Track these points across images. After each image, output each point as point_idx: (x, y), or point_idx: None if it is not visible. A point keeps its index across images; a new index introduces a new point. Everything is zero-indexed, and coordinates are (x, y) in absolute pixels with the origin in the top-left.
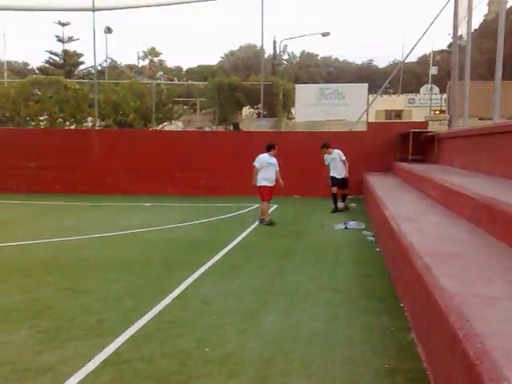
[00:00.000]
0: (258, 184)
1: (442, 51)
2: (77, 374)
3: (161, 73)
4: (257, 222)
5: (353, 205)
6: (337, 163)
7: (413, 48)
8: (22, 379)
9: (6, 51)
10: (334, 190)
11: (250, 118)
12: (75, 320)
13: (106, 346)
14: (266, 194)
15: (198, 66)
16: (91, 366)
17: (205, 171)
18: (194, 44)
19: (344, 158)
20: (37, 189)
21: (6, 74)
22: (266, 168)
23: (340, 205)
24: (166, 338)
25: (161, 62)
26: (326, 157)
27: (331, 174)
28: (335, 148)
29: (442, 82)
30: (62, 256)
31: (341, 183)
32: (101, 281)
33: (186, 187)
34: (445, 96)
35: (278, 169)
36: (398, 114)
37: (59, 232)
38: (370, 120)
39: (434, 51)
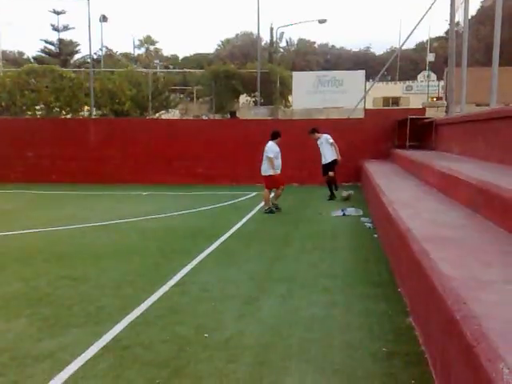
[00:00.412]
0: (269, 173)
1: (439, 38)
2: (76, 361)
3: (157, 61)
4: (266, 209)
5: (351, 192)
6: (324, 148)
7: (410, 34)
8: (22, 366)
9: (0, 40)
10: (327, 176)
11: (246, 106)
12: (74, 307)
13: (105, 333)
14: (279, 181)
15: (195, 55)
16: (90, 352)
17: (202, 160)
18: (191, 32)
19: (332, 140)
20: (34, 178)
21: (0, 64)
22: (277, 156)
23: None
24: (164, 325)
25: (157, 51)
26: (318, 142)
27: (322, 161)
28: (324, 133)
29: (439, 68)
30: (60, 245)
31: (328, 168)
32: (99, 269)
33: (184, 176)
34: (442, 83)
35: None
36: (396, 100)
37: (57, 221)
38: (367, 107)
39: (431, 38)
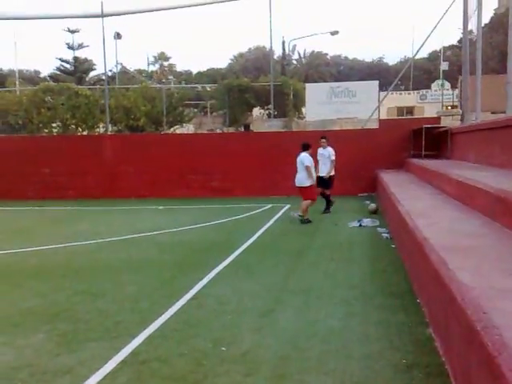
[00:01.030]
0: (308, 184)
1: (452, 46)
2: (94, 376)
3: (171, 77)
4: (296, 215)
5: (367, 202)
6: (325, 160)
7: (423, 44)
8: (41, 382)
9: (17, 60)
10: (321, 190)
11: (260, 119)
12: (92, 322)
13: (122, 347)
14: (315, 192)
15: (208, 70)
16: (109, 367)
17: (217, 173)
18: (204, 47)
19: (333, 158)
20: (51, 194)
21: (17, 83)
22: (313, 166)
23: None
24: (182, 338)
25: (170, 67)
26: (319, 150)
27: (319, 173)
28: (329, 146)
29: (453, 77)
30: (77, 260)
31: (325, 182)
32: (116, 283)
33: (199, 189)
34: (456, 91)
35: None
36: (410, 110)
37: (74, 237)
38: (381, 117)
39: (444, 47)
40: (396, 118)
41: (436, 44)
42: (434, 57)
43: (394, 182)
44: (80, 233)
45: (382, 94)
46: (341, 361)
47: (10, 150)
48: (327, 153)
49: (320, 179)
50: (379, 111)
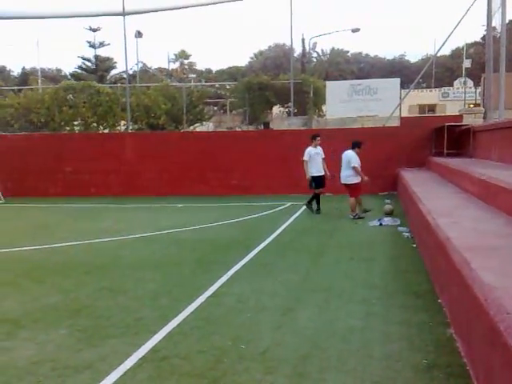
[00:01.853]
0: (353, 181)
1: (475, 43)
2: (115, 372)
3: (191, 75)
4: (351, 217)
5: (388, 201)
6: (319, 159)
7: (445, 41)
8: (63, 376)
9: (39, 58)
10: (319, 190)
11: (280, 117)
12: (113, 318)
13: (143, 344)
14: (360, 190)
15: (228, 68)
16: (129, 363)
17: (236, 171)
18: (224, 45)
19: (323, 156)
20: (73, 192)
21: (40, 81)
22: (359, 165)
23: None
24: (201, 335)
25: (191, 65)
26: (310, 150)
27: (312, 172)
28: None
29: (475, 75)
30: (98, 257)
31: (322, 182)
32: (137, 280)
33: (218, 187)
34: (479, 89)
35: None
36: (432, 108)
37: (95, 234)
38: (402, 115)
39: (467, 44)
40: (418, 115)
41: (459, 41)
42: (456, 54)
43: (416, 181)
44: (102, 230)
45: (404, 91)
46: (361, 360)
47: (32, 147)
48: (320, 151)
49: (317, 179)
50: (400, 109)
